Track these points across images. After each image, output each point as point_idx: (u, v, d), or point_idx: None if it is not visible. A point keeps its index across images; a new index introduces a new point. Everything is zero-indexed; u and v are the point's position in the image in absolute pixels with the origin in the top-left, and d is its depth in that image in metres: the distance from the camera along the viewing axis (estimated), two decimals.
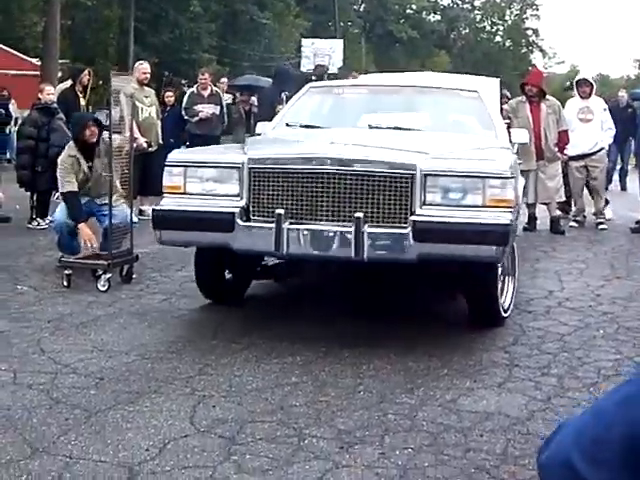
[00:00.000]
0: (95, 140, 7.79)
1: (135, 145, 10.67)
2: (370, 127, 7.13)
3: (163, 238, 5.89)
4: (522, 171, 11.18)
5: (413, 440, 4.15)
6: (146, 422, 4.30)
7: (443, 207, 5.40)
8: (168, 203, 5.78)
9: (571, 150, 11.60)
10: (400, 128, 7.08)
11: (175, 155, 5.92)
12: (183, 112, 13.77)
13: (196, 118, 13.57)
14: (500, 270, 6.21)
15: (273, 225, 5.37)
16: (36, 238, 9.65)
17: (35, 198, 10.52)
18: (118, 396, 4.67)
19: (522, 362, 5.45)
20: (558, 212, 11.69)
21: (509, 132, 7.68)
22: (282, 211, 5.37)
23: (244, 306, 6.72)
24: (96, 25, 36.68)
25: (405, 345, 5.69)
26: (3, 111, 11.50)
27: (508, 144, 7.26)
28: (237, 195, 5.62)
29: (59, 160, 7.83)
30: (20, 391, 4.71)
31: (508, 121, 11.66)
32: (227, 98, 15.35)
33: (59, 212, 7.85)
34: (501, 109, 11.21)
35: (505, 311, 6.35)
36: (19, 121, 12.11)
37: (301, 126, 7.38)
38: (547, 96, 11.50)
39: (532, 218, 11.66)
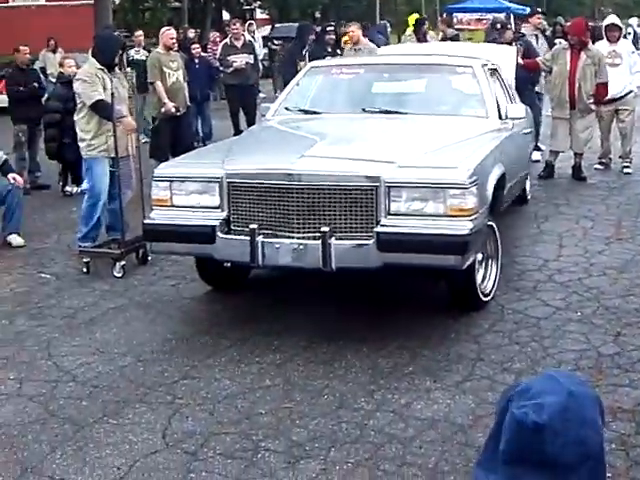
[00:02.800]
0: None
1: (164, 110, 11.24)
2: (364, 111, 7.51)
3: (153, 249, 6.42)
4: (554, 118, 11.46)
5: (356, 452, 4.61)
6: (124, 437, 4.83)
7: (407, 217, 5.76)
8: (156, 216, 6.26)
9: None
10: (390, 112, 7.45)
11: (161, 170, 6.37)
12: (217, 63, 14.15)
13: (231, 69, 13.95)
14: (481, 256, 6.58)
15: (248, 238, 5.81)
16: (68, 210, 10.24)
17: (64, 168, 11.15)
18: (106, 407, 5.21)
19: (488, 355, 5.84)
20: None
21: (504, 107, 7.87)
22: (255, 225, 5.81)
23: (245, 292, 7.23)
24: None
25: (381, 337, 6.13)
26: (36, 84, 11.95)
27: (497, 123, 7.49)
28: (218, 207, 6.07)
29: (81, 72, 8.24)
30: (22, 404, 5.29)
31: (547, 67, 11.70)
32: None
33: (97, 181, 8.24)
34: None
35: (486, 295, 6.72)
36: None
37: (299, 110, 7.80)
38: (590, 46, 11.51)
39: (550, 166, 11.84)
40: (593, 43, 11.90)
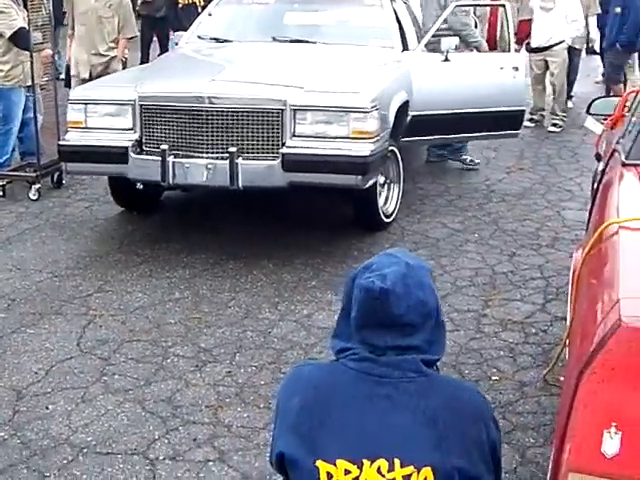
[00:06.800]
0: None
1: None
2: (274, 39, 7.73)
3: (69, 169, 6.66)
4: None
5: (260, 357, 4.96)
6: (41, 345, 5.10)
7: (311, 138, 6.08)
8: (71, 138, 6.48)
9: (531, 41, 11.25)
10: (300, 41, 7.67)
11: (76, 93, 6.60)
12: None
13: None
14: (383, 179, 6.93)
15: (159, 158, 6.06)
16: None
17: None
18: (24, 318, 5.46)
19: None
20: None
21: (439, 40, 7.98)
22: (166, 146, 6.08)
23: (156, 214, 7.49)
24: None
25: (286, 255, 6.48)
26: None
27: (399, 55, 7.71)
28: (131, 129, 6.32)
29: None
30: None
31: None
32: None
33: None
34: None
35: (388, 216, 7.09)
36: None
37: (211, 39, 7.99)
38: None
39: None
40: None
